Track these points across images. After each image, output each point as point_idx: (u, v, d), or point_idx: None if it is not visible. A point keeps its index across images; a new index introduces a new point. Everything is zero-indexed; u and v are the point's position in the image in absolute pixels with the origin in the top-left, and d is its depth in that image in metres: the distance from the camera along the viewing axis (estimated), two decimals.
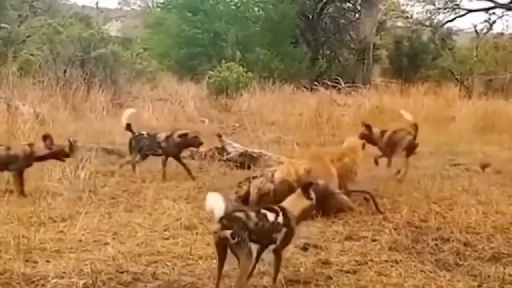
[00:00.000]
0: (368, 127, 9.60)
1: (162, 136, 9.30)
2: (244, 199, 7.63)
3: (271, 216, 4.89)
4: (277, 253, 4.96)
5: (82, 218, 6.55)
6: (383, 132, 9.67)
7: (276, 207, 5.02)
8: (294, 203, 5.15)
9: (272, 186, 7.46)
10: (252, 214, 4.83)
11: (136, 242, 6.00)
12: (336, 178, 7.69)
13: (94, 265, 5.28)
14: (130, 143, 9.33)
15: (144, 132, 9.47)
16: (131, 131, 9.34)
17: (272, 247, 4.91)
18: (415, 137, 9.39)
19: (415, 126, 9.38)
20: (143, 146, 9.25)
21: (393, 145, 9.51)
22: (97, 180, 8.35)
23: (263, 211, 4.91)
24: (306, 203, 5.14)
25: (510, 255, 5.95)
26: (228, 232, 4.65)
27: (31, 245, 5.72)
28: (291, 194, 5.39)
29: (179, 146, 9.25)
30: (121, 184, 8.48)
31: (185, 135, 9.25)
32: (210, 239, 6.13)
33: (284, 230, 4.93)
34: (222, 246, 4.73)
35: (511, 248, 6.16)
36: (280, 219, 4.92)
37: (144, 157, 9.30)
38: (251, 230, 4.74)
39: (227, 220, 4.68)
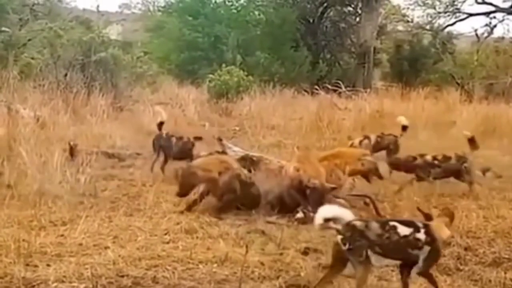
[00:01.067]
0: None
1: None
2: None
3: (403, 230, 4.78)
4: (425, 275, 4.88)
5: (82, 222, 6.55)
6: None
7: (418, 223, 4.88)
8: (440, 228, 4.93)
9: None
10: (375, 225, 4.78)
11: (136, 246, 5.99)
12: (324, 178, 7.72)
13: (95, 269, 5.28)
14: (154, 142, 9.61)
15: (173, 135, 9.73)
16: (159, 130, 9.62)
17: (415, 269, 4.84)
18: None
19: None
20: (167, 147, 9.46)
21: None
22: (98, 184, 8.35)
23: (392, 223, 4.83)
24: (448, 233, 4.96)
25: (511, 259, 5.95)
26: (339, 238, 4.68)
27: (31, 249, 5.72)
28: None
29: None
30: (122, 188, 8.49)
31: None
32: (210, 243, 6.15)
33: (427, 248, 4.80)
34: (335, 251, 4.79)
35: None
36: (421, 235, 4.79)
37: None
38: (372, 241, 4.72)
39: (344, 227, 4.70)
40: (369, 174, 8.37)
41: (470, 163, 9.12)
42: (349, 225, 4.73)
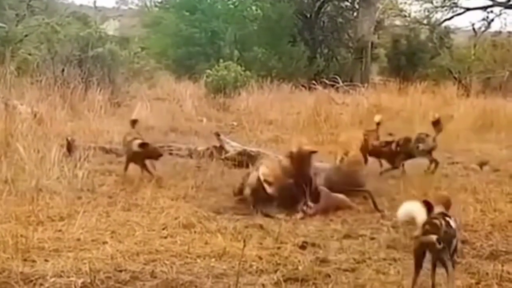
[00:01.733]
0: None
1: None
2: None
3: (453, 222, 4.83)
4: (453, 262, 4.89)
5: (80, 217, 6.55)
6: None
7: (448, 214, 4.92)
8: None
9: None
10: (443, 222, 4.77)
11: (134, 241, 6.00)
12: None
13: (93, 264, 5.28)
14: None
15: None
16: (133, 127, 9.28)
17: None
18: None
19: None
20: None
21: None
22: (95, 179, 8.35)
23: (447, 218, 4.83)
24: None
25: (508, 252, 5.96)
26: (434, 237, 4.62)
27: (29, 244, 5.72)
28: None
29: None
30: (119, 183, 8.48)
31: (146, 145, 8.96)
32: (208, 238, 6.16)
33: (457, 236, 4.91)
34: (422, 252, 4.73)
35: (509, 245, 6.17)
36: (455, 225, 4.87)
37: None
38: (443, 238, 4.71)
39: (430, 226, 4.66)
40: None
41: (428, 144, 9.61)
42: (434, 224, 4.70)
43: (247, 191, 7.61)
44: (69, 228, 6.31)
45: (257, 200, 7.46)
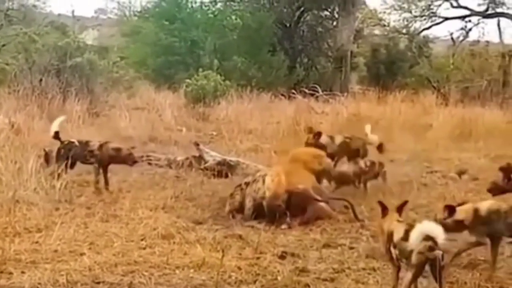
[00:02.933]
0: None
1: (95, 144, 8.97)
2: (238, 210, 7.66)
3: None
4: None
5: (57, 228, 6.50)
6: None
7: None
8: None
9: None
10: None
11: (112, 252, 5.96)
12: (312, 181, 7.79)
13: (70, 275, 5.24)
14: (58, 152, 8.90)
15: (75, 140, 9.14)
16: (59, 139, 9.01)
17: None
18: None
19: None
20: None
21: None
22: (73, 190, 8.30)
23: None
24: None
25: (486, 261, 5.98)
26: (440, 253, 4.67)
27: (6, 256, 5.66)
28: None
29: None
30: (97, 194, 8.43)
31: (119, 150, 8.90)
32: (187, 248, 6.13)
33: None
34: (423, 265, 4.76)
35: (488, 254, 6.19)
36: None
37: (72, 165, 8.86)
38: None
39: (434, 243, 4.67)
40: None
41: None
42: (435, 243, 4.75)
43: (247, 204, 7.58)
44: (47, 239, 6.26)
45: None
